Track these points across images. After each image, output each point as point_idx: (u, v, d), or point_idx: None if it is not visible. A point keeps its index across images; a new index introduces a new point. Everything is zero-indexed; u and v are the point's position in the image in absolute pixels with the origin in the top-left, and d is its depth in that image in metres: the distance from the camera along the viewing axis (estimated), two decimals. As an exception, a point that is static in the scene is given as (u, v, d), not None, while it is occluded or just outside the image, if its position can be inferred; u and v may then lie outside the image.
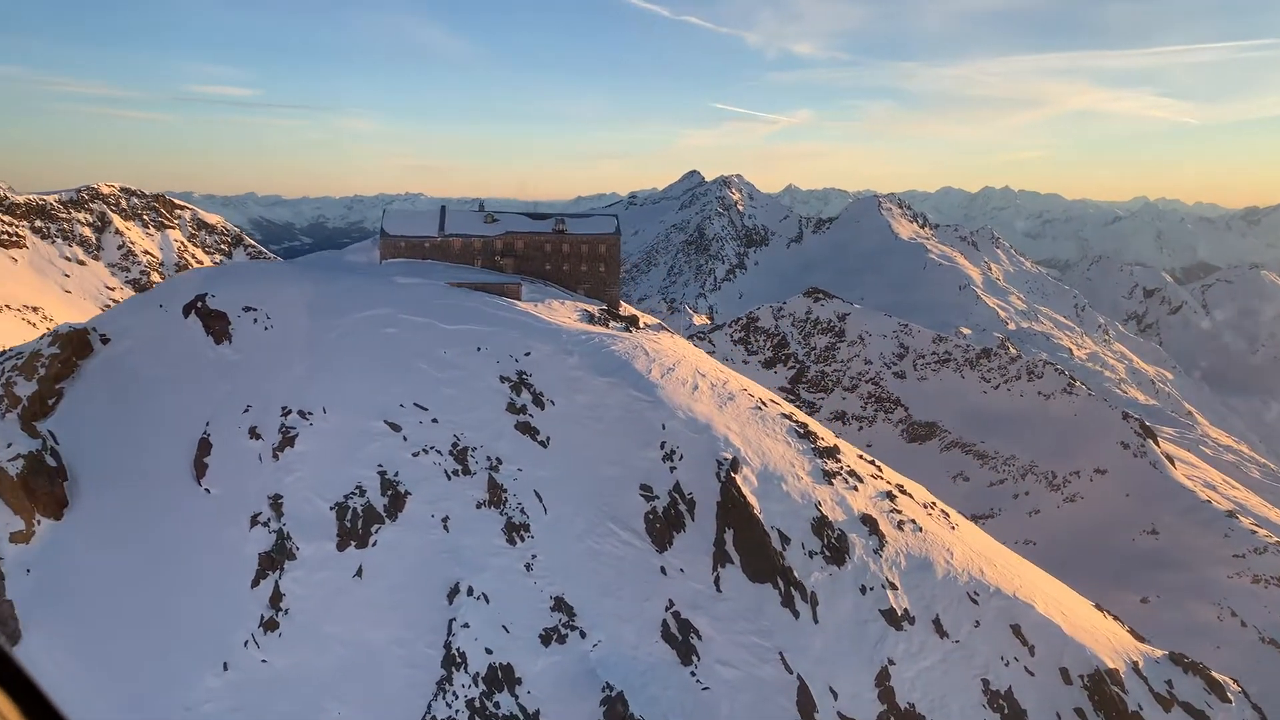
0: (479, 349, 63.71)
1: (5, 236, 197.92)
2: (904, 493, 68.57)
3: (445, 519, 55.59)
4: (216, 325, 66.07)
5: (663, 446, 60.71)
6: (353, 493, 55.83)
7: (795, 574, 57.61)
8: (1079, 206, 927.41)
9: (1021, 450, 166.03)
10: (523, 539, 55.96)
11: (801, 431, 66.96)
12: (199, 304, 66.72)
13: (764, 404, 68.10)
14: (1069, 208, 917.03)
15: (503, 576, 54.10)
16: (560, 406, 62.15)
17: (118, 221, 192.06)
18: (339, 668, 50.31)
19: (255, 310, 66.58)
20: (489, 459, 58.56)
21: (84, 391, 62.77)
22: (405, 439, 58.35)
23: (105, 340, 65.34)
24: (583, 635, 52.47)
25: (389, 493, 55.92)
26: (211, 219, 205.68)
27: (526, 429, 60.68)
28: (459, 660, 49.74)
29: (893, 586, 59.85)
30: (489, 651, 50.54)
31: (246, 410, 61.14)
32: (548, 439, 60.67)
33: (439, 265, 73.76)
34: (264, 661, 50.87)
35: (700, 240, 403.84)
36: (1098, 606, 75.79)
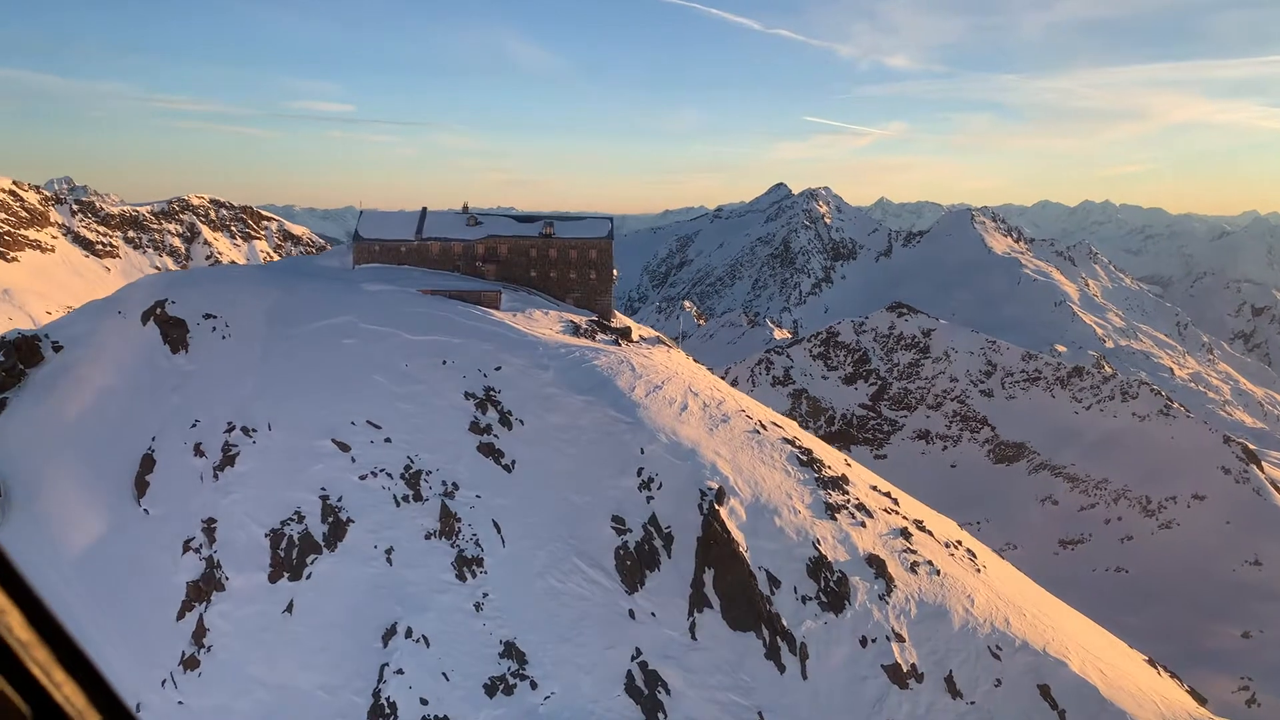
0: (444, 362, 59.06)
1: (100, 246, 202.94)
2: (923, 529, 61.79)
3: (389, 550, 50.86)
4: (174, 333, 62.69)
5: (640, 473, 55.17)
6: (291, 518, 51.48)
7: (783, 622, 51.46)
8: (1183, 221, 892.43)
9: (1114, 473, 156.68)
10: (474, 574, 50.91)
11: (804, 458, 60.74)
12: (158, 311, 63.49)
13: (763, 427, 62.07)
14: (1173, 222, 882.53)
15: (447, 617, 49.08)
16: (530, 427, 57.08)
17: (206, 232, 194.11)
18: (259, 714, 45.79)
19: (215, 318, 63.07)
20: (444, 484, 53.72)
21: (29, 401, 59.79)
22: (353, 460, 53.88)
23: (57, 348, 62.38)
24: (534, 686, 47.12)
25: (330, 519, 51.44)
26: (297, 230, 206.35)
27: (490, 451, 55.71)
28: (388, 711, 44.82)
29: (899, 638, 53.22)
30: (424, 702, 45.54)
31: (194, 425, 57.44)
32: (512, 463, 55.62)
33: (414, 271, 69.53)
34: (180, 704, 46.68)
35: (786, 253, 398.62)
36: (1150, 662, 67.69)
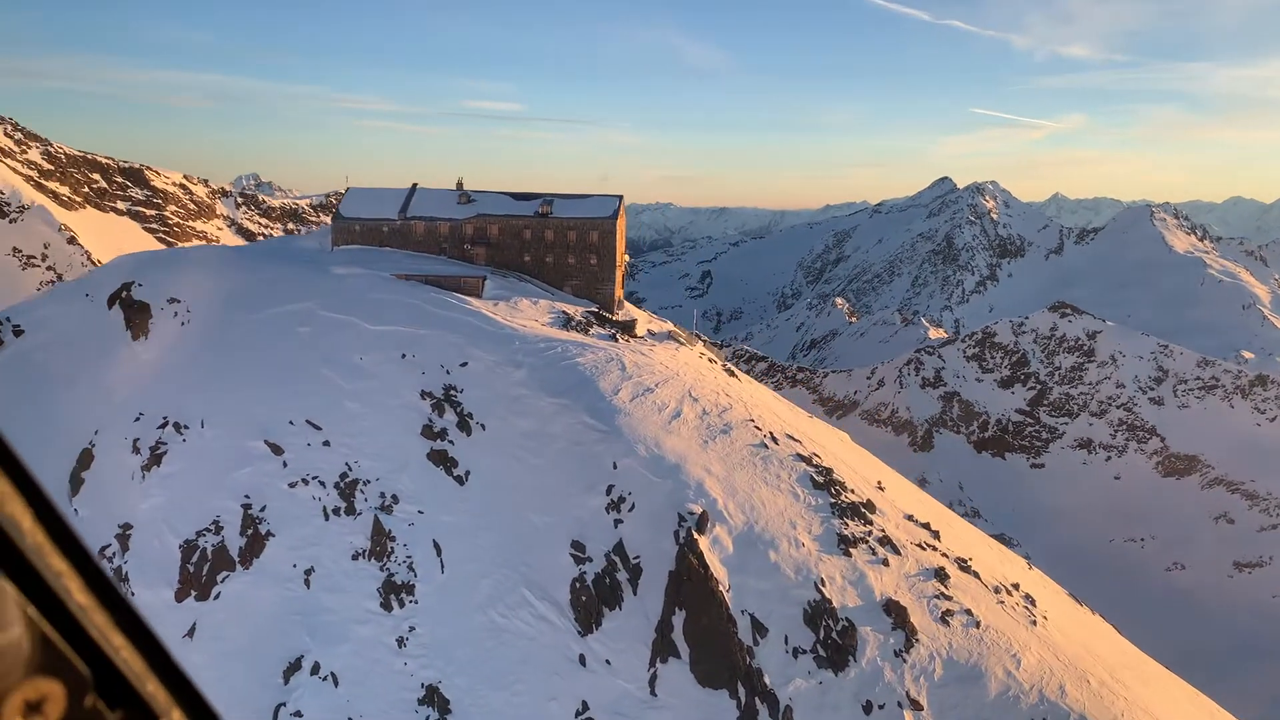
0: (404, 355, 53.05)
1: (260, 237, 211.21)
2: (967, 569, 52.03)
3: (309, 571, 45.13)
4: (138, 318, 58.97)
5: (609, 491, 47.71)
6: (208, 529, 46.42)
7: (766, 679, 43.16)
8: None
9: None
10: (402, 604, 44.62)
11: (820, 479, 51.94)
12: (124, 294, 59.87)
13: (773, 440, 53.54)
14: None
15: (364, 652, 42.96)
16: (491, 432, 50.43)
17: None
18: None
19: (179, 302, 58.98)
20: (382, 496, 47.67)
21: (-21, 390, 57.01)
22: (285, 464, 48.47)
23: (18, 332, 59.56)
24: (453, 742, 40.49)
25: (249, 532, 46.11)
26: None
27: (441, 459, 49.34)
28: (275, 763, 39.02)
29: (915, 705, 44.06)
30: (320, 754, 39.51)
31: (138, 418, 53.32)
32: (466, 474, 49.09)
33: (395, 254, 63.91)
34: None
35: (948, 250, 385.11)
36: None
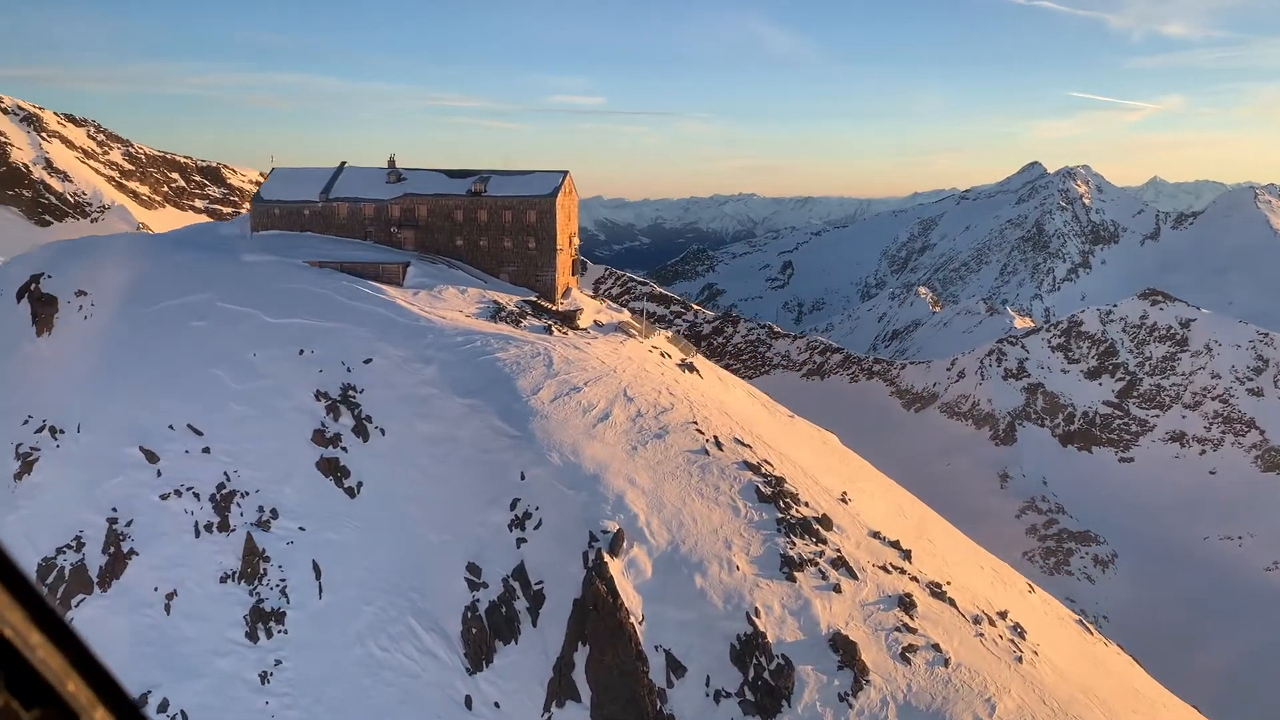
0: (302, 351, 48.25)
1: None
2: (941, 596, 45.47)
3: (171, 595, 40.63)
4: (44, 312, 55.31)
5: (514, 506, 42.28)
6: (69, 545, 42.26)
7: (679, 729, 37.36)
8: None
9: None
10: (270, 634, 39.84)
11: (767, 491, 45.80)
12: (32, 287, 56.20)
13: (716, 445, 47.53)
14: None
15: (221, 689, 38.28)
16: (391, 438, 45.38)
17: None
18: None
19: (86, 295, 55.09)
20: (260, 510, 42.95)
21: None
22: (159, 474, 44.10)
23: (-80, 328, 56.19)
24: (310, 797, 35.56)
25: (111, 549, 41.76)
26: None
27: (332, 469, 44.46)
28: (101, 820, 34.36)
29: (859, 762, 37.91)
30: (154, 810, 34.92)
31: (26, 421, 49.45)
32: (358, 485, 44.13)
33: (315, 239, 59.16)
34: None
35: (1038, 237, 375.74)
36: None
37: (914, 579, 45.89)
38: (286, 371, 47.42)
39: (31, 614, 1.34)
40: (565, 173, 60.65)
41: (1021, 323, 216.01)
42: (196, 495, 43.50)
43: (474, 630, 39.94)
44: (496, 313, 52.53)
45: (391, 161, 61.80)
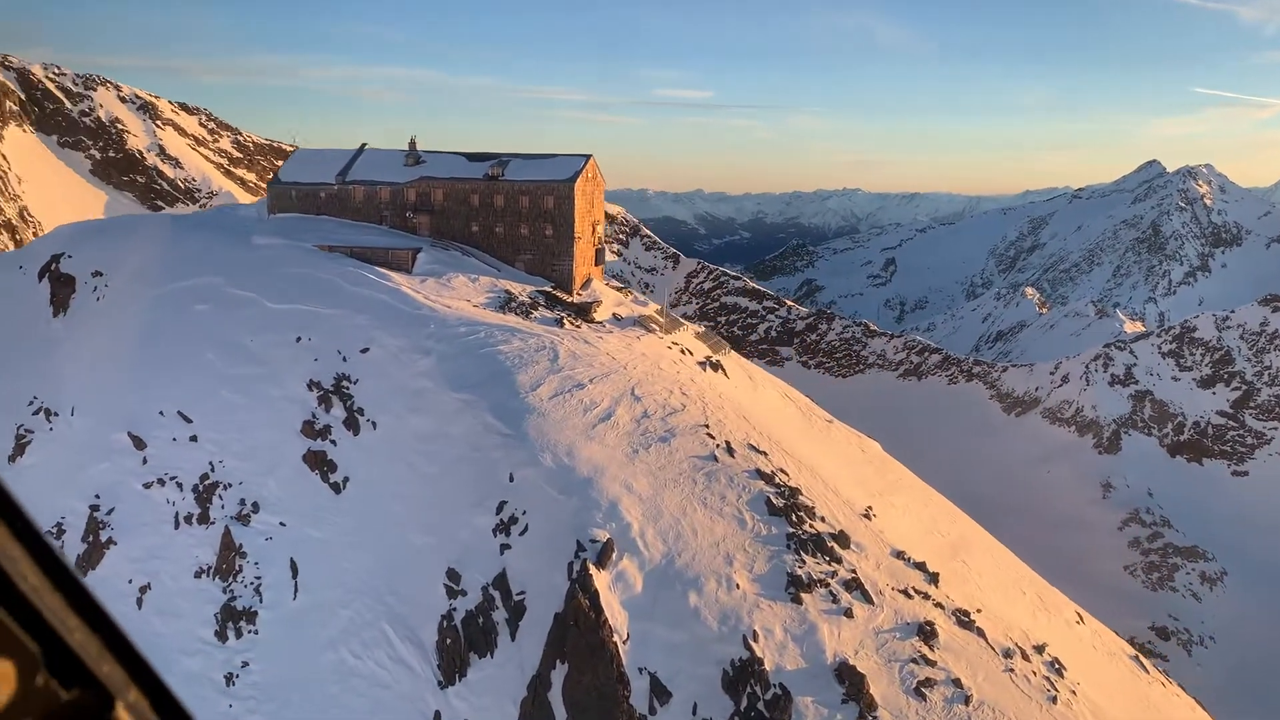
0: (299, 339, 46.69)
1: None
2: (968, 624, 41.59)
3: (145, 588, 39.48)
4: (62, 293, 55.19)
5: (500, 510, 39.92)
6: (49, 532, 41.23)
7: (659, 760, 34.58)
8: None
9: None
10: (240, 634, 38.32)
11: (779, 502, 42.47)
12: (53, 266, 56.11)
13: (727, 451, 44.35)
14: None
15: (187, 690, 36.81)
16: (383, 432, 43.48)
17: None
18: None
19: (102, 275, 54.70)
20: (242, 503, 41.48)
21: (-107, 367, 54.31)
22: (145, 461, 43.04)
23: (-53, 306, 56.65)
24: (264, 810, 33.87)
25: (90, 538, 40.79)
26: (613, 210, 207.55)
27: (319, 462, 42.77)
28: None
29: (858, 808, 34.64)
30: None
31: (31, 403, 49.12)
32: (344, 480, 42.34)
33: (329, 223, 57.56)
34: None
35: (1154, 238, 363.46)
36: None
37: (938, 605, 42.08)
38: (282, 359, 45.93)
39: (69, 598, 1.35)
40: (588, 157, 57.88)
41: (1132, 327, 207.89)
42: (179, 485, 42.29)
43: (449, 640, 37.74)
44: (506, 303, 50.23)
45: (412, 144, 59.94)
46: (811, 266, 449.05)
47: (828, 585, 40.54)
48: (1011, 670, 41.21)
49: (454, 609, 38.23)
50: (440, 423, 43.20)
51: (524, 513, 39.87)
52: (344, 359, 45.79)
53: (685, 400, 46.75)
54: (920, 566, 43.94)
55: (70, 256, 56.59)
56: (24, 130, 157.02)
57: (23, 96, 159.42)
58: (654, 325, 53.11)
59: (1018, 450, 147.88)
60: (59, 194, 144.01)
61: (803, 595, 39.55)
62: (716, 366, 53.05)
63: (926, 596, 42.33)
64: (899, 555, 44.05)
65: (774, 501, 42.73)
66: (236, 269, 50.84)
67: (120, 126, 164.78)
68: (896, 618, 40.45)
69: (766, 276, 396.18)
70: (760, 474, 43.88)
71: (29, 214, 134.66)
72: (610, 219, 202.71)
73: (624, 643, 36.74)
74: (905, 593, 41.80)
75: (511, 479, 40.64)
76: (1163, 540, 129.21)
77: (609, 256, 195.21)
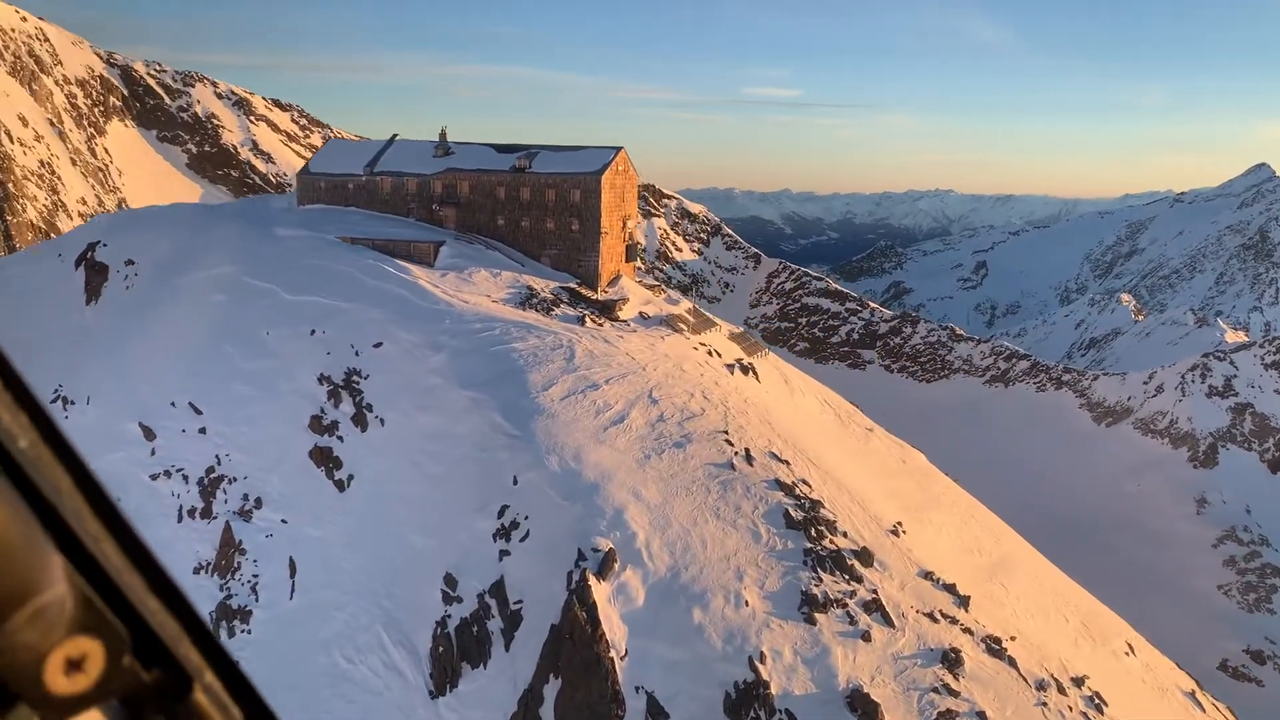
0: (314, 332, 45.96)
1: None
2: (999, 653, 38.82)
3: (143, 582, 38.78)
4: (95, 281, 55.62)
5: (501, 514, 38.51)
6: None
7: (653, 785, 32.84)
8: None
9: None
10: (233, 634, 37.70)
11: (798, 515, 40.24)
12: (89, 255, 56.60)
13: (746, 459, 42.23)
14: None
15: (176, 689, 36.11)
16: (390, 429, 42.45)
17: None
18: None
19: (134, 264, 54.96)
20: (245, 498, 40.86)
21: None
22: (153, 452, 42.78)
23: (-13, 293, 57.59)
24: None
25: (95, 529, 40.43)
26: (695, 208, 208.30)
27: (324, 458, 41.94)
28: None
29: None
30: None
31: (55, 391, 49.43)
32: (348, 478, 41.42)
33: (356, 214, 56.72)
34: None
35: (1262, 245, 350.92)
36: None
37: (967, 630, 39.41)
38: (295, 352, 45.25)
39: (150, 581, 1.38)
40: (618, 149, 56.09)
41: (1234, 337, 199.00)
42: (185, 477, 41.88)
43: (441, 649, 36.46)
44: (527, 299, 48.82)
45: (442, 134, 58.94)
46: (900, 268, 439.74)
47: (845, 606, 38.21)
48: (1044, 704, 38.40)
49: (448, 616, 36.93)
50: (448, 421, 41.99)
51: (526, 518, 38.38)
52: (356, 353, 44.90)
53: (705, 404, 44.74)
54: (950, 588, 41.24)
55: (105, 245, 57.00)
56: (126, 125, 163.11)
57: (125, 93, 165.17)
58: (682, 325, 51.19)
59: (1107, 462, 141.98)
60: (156, 187, 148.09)
61: (817, 615, 37.31)
62: (747, 369, 50.89)
63: (954, 621, 39.67)
64: (927, 576, 41.41)
65: (792, 514, 40.49)
66: (258, 260, 50.45)
67: (216, 122, 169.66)
68: (919, 643, 37.94)
69: (853, 278, 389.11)
70: (780, 484, 41.65)
71: (126, 206, 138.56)
72: (691, 218, 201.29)
73: (621, 659, 35.00)
74: (931, 616, 39.22)
75: (515, 482, 39.18)
76: (1260, 560, 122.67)
77: (688, 255, 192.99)
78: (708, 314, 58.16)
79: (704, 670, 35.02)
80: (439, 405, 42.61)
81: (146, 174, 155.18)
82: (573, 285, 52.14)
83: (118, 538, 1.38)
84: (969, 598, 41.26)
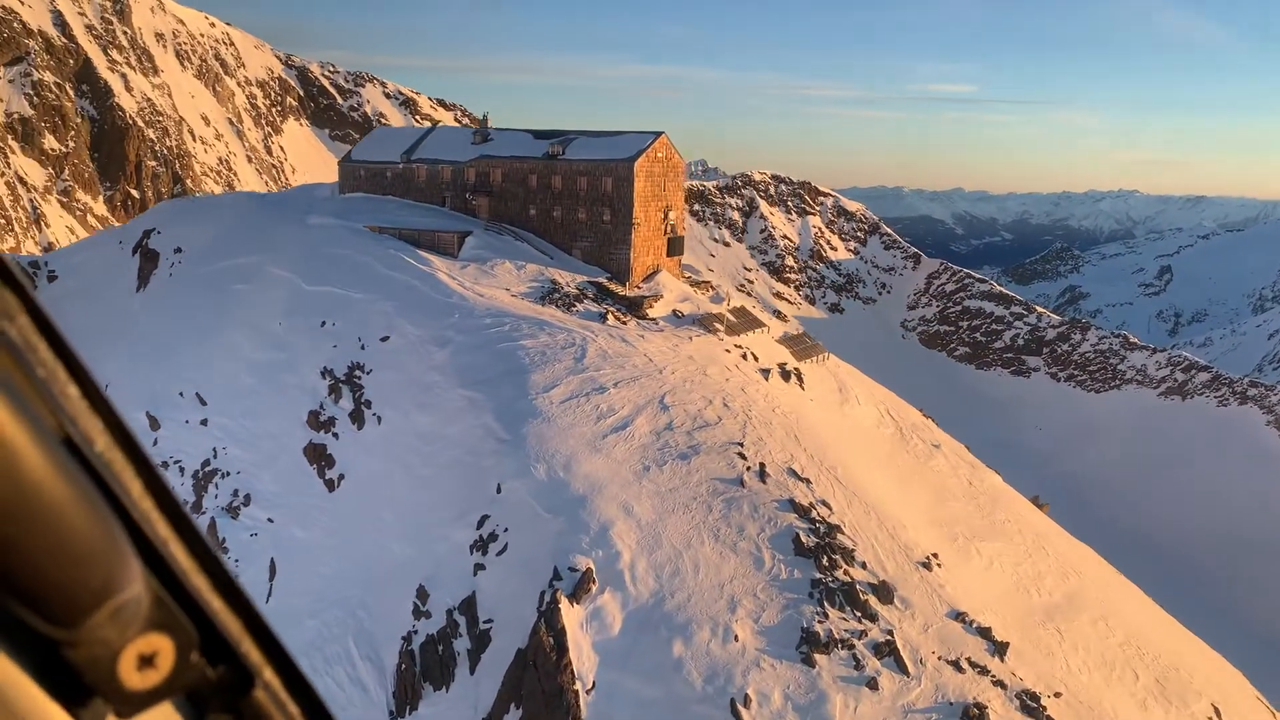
0: (324, 324, 44.66)
1: None
2: (1036, 710, 33.78)
3: (128, 575, 38.28)
4: (146, 268, 56.37)
5: (480, 524, 36.07)
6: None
7: (607, 836, 29.85)
8: None
9: None
10: (205, 634, 36.37)
11: (809, 541, 36.18)
12: (144, 243, 57.45)
13: (759, 476, 38.37)
14: None
15: (144, 688, 35.31)
16: (387, 427, 40.68)
17: (764, 206, 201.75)
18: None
19: (182, 251, 55.35)
20: (235, 495, 39.84)
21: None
22: (155, 443, 42.30)
23: (52, 278, 59.27)
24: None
25: (92, 519, 40.28)
26: (852, 206, 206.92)
27: (318, 456, 40.55)
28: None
29: None
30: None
31: (94, 377, 50.01)
32: (339, 478, 39.87)
33: (391, 203, 55.11)
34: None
35: None
36: None
37: (999, 683, 34.53)
38: (304, 344, 44.13)
39: (213, 581, 1.41)
40: (657, 134, 52.62)
41: None
42: (182, 469, 41.30)
43: (404, 666, 34.33)
44: (549, 293, 46.23)
45: (483, 120, 56.98)
46: (1076, 272, 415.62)
47: (852, 647, 34.03)
48: (1088, 770, 33.28)
49: (414, 631, 34.78)
50: (442, 421, 39.88)
51: (505, 530, 35.81)
52: (363, 346, 43.36)
53: (724, 413, 41.05)
54: (984, 632, 36.35)
55: (159, 233, 57.67)
56: (300, 124, 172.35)
57: (301, 93, 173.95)
58: (718, 325, 47.51)
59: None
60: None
61: (817, 656, 33.31)
62: (789, 375, 46.78)
63: (984, 671, 34.84)
64: (958, 616, 36.62)
65: (803, 539, 36.45)
66: (283, 248, 49.73)
67: (383, 120, 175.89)
68: (936, 694, 33.41)
69: (1026, 281, 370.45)
70: (793, 505, 37.65)
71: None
72: (848, 216, 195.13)
73: (588, 692, 31.97)
74: (955, 664, 34.55)
75: (499, 490, 36.68)
76: None
77: (843, 254, 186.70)
78: (755, 313, 54.13)
79: (678, 712, 31.61)
80: (436, 404, 40.56)
81: (318, 171, 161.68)
82: (601, 280, 49.29)
83: (184, 540, 1.39)
84: (1007, 644, 36.24)
